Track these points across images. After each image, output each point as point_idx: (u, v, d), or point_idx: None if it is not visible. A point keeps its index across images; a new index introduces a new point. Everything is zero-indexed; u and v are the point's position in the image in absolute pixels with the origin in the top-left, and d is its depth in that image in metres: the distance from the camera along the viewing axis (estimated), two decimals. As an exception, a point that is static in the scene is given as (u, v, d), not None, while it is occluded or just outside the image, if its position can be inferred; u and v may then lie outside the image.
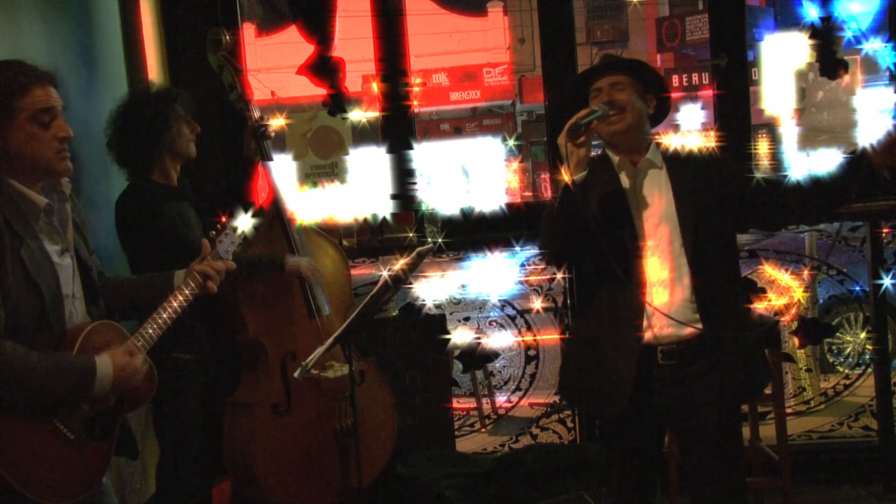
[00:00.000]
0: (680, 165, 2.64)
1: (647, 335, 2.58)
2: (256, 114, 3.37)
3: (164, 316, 2.30)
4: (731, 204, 2.60)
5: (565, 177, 2.52)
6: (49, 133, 2.14)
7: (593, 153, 2.60)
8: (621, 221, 2.60)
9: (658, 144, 2.68)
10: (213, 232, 2.52)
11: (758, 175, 2.62)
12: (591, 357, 2.67)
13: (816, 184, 2.52)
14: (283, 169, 4.14)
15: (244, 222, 2.58)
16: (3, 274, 2.05)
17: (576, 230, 2.57)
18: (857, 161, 2.42)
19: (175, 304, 2.33)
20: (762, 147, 4.10)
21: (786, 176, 2.60)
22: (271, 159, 3.38)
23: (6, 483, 2.00)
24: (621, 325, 2.59)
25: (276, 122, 4.04)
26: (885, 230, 3.98)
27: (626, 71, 2.65)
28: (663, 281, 2.56)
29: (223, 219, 2.60)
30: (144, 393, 2.32)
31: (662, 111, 2.74)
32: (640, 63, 2.74)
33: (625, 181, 2.65)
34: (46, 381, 2.05)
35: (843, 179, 2.46)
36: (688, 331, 2.55)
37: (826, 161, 2.52)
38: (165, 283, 2.41)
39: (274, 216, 3.31)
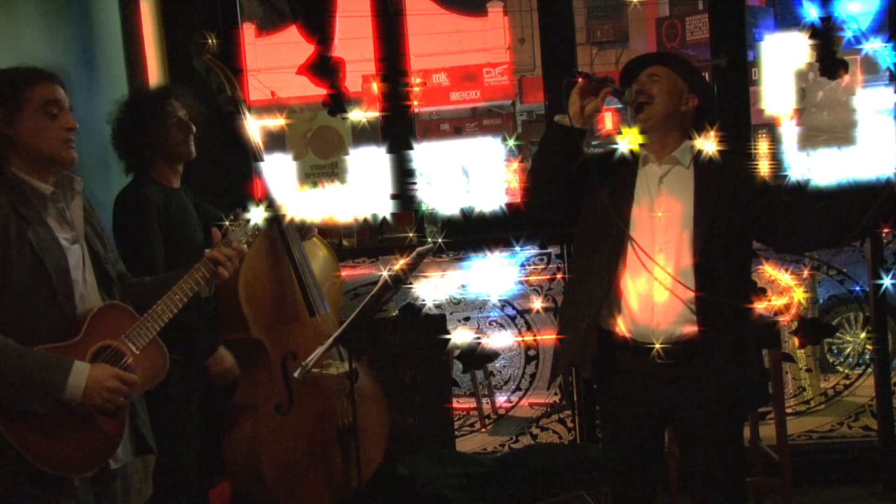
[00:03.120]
0: (709, 170, 2.62)
1: (618, 326, 2.61)
2: (246, 115, 3.35)
3: (175, 299, 2.37)
4: (752, 219, 2.60)
5: (556, 118, 2.62)
6: (56, 123, 2.23)
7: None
8: (616, 208, 2.62)
9: (691, 146, 2.65)
10: (227, 221, 2.62)
11: (785, 197, 2.61)
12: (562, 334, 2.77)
13: (837, 217, 2.50)
14: (283, 169, 4.15)
15: (257, 214, 2.67)
16: (8, 253, 2.12)
17: (554, 174, 2.63)
18: (884, 194, 2.41)
19: (186, 288, 2.40)
20: (762, 147, 4.10)
21: (811, 207, 2.58)
22: (263, 160, 3.38)
23: (17, 454, 2.06)
24: (580, 306, 2.65)
25: (276, 122, 4.05)
26: (885, 230, 3.98)
27: (668, 65, 2.65)
28: (667, 279, 2.56)
29: (238, 210, 2.68)
30: (157, 372, 2.36)
31: (708, 112, 2.70)
32: (676, 57, 2.73)
33: (645, 174, 2.66)
34: (15, 361, 2.06)
35: (866, 212, 2.44)
36: (684, 331, 2.56)
37: (846, 190, 2.51)
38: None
39: (269, 216, 3.30)
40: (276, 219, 3.26)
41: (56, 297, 2.18)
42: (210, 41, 3.33)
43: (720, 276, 2.56)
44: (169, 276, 2.55)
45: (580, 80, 2.59)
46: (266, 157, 3.46)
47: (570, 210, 2.78)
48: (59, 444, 2.12)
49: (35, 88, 2.22)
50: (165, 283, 2.44)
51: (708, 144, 2.63)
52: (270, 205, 3.27)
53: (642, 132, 2.64)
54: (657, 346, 2.56)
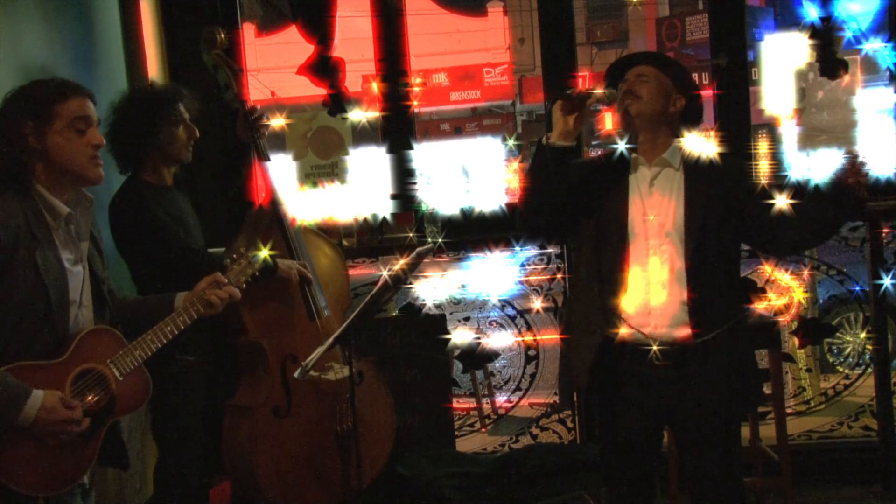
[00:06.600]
0: (699, 171, 2.61)
1: (621, 332, 2.59)
2: (252, 108, 3.33)
3: (167, 330, 2.37)
4: (741, 221, 2.59)
5: (544, 139, 2.58)
6: (84, 139, 2.23)
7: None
8: (614, 214, 2.61)
9: (680, 147, 2.63)
10: (228, 260, 2.64)
11: (775, 201, 2.61)
12: (565, 345, 2.75)
13: (810, 217, 2.54)
14: (283, 169, 4.14)
15: (257, 257, 2.69)
16: (12, 273, 2.11)
17: (549, 195, 2.59)
18: (836, 191, 2.47)
19: (178, 321, 2.39)
20: (762, 147, 4.10)
21: (790, 213, 2.60)
22: (269, 159, 3.37)
23: None
24: (589, 316, 2.64)
25: (276, 122, 4.04)
26: (885, 230, 3.98)
27: (655, 65, 2.64)
28: (662, 281, 2.57)
29: (241, 250, 2.68)
30: (138, 399, 2.36)
31: (694, 113, 2.69)
32: (663, 57, 2.73)
33: (636, 178, 2.64)
34: None
35: (832, 209, 2.51)
36: (680, 333, 2.56)
37: (812, 192, 2.58)
38: (166, 306, 2.46)
39: (272, 217, 3.30)
40: (278, 219, 3.26)
41: (51, 319, 2.17)
42: (220, 37, 3.31)
43: (713, 277, 2.56)
44: (147, 301, 2.57)
45: (561, 101, 2.56)
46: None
47: (568, 229, 2.75)
48: (27, 462, 2.10)
49: (67, 103, 2.22)
50: (153, 307, 2.46)
51: (698, 146, 2.63)
52: (276, 205, 3.27)
53: (631, 132, 2.63)
54: (654, 348, 2.56)
